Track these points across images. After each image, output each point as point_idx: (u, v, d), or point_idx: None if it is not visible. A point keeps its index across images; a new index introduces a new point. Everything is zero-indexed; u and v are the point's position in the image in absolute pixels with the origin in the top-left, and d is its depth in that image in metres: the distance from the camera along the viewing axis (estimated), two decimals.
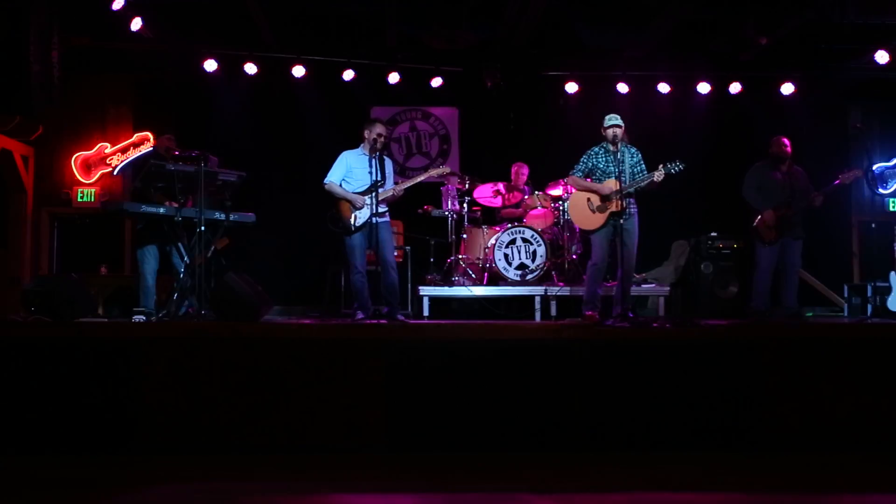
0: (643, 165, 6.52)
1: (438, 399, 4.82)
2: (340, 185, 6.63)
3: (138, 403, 4.75)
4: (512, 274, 8.06)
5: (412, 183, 6.91)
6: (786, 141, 7.07)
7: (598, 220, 6.49)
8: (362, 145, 6.66)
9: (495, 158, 9.36)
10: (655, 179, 6.29)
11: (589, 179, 6.61)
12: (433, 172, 7.16)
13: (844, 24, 8.71)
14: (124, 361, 4.77)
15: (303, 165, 9.15)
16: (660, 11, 8.45)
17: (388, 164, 6.79)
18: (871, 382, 4.93)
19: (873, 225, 9.12)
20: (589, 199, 6.55)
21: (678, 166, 6.26)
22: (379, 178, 6.43)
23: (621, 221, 6.30)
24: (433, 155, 10.09)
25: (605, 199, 6.44)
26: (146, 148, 9.43)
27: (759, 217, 6.95)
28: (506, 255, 8.08)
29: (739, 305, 8.17)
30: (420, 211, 8.55)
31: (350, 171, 6.64)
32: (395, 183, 6.84)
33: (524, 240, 8.10)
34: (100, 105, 9.79)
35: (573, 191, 6.84)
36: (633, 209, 6.45)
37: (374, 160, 6.44)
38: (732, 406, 4.87)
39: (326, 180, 6.66)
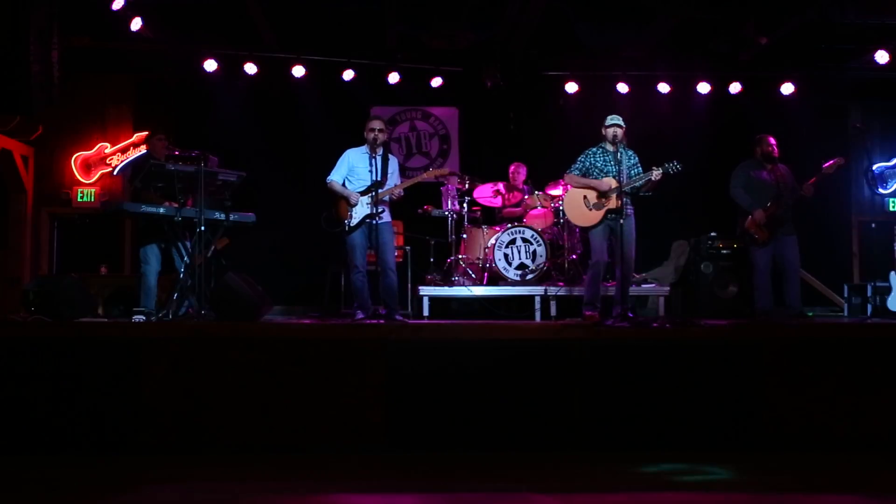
0: (640, 168, 6.52)
1: (438, 399, 4.82)
2: (343, 184, 6.63)
3: (138, 403, 4.75)
4: (512, 274, 8.06)
5: (412, 183, 6.89)
6: (773, 140, 7.03)
7: (594, 217, 6.49)
8: (366, 144, 6.66)
9: (495, 158, 9.36)
10: (653, 178, 6.29)
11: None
12: (434, 173, 7.14)
13: (844, 24, 8.71)
14: (124, 361, 4.78)
15: (302, 165, 9.16)
16: (660, 11, 8.44)
17: (393, 162, 6.76)
18: (871, 382, 4.94)
19: (873, 225, 9.13)
20: (585, 197, 6.55)
21: (676, 167, 6.27)
22: (379, 178, 6.42)
23: (621, 222, 6.29)
24: (433, 155, 10.09)
25: (602, 195, 6.45)
26: (145, 148, 9.44)
27: (749, 218, 6.90)
28: (506, 255, 8.08)
29: (739, 305, 8.16)
30: (420, 211, 8.54)
31: (352, 170, 6.63)
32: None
33: (524, 240, 8.10)
34: (100, 105, 9.79)
35: (570, 188, 6.85)
36: (630, 209, 6.45)
37: (374, 160, 6.44)
38: (732, 406, 4.88)
39: (329, 178, 6.64)
